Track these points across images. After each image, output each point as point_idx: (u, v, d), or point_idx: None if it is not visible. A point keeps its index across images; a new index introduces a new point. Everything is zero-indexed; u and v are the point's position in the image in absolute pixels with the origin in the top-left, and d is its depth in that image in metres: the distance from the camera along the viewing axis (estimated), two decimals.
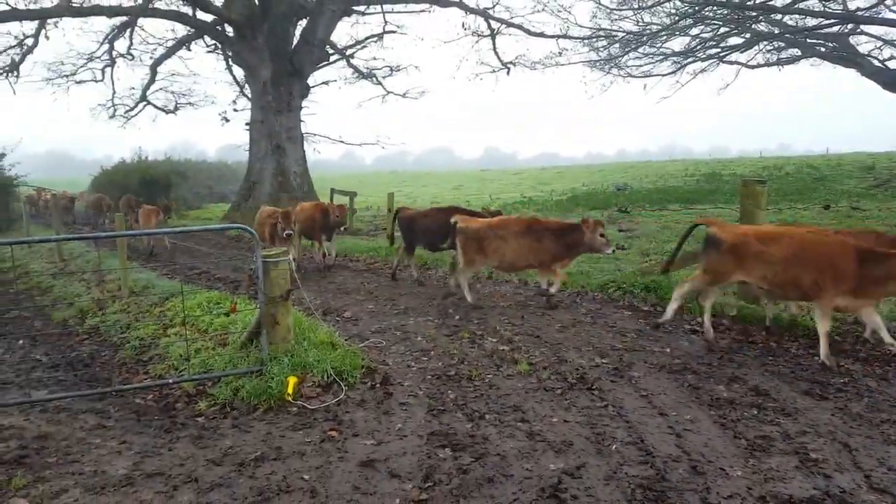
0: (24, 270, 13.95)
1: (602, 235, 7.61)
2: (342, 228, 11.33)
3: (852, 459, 3.93)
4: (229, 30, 20.78)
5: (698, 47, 26.96)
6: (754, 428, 4.41)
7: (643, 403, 4.88)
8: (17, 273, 13.70)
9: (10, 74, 22.72)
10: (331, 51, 22.81)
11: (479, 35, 24.30)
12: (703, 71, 27.99)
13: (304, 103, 21.14)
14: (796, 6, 23.06)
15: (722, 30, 25.43)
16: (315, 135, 23.58)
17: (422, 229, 9.89)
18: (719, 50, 27.67)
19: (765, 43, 27.97)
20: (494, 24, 23.68)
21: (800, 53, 28.70)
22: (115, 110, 26.84)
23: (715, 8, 22.51)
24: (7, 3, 19.71)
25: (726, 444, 4.17)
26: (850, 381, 5.27)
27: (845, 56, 27.52)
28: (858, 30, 26.38)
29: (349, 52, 24.75)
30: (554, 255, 7.75)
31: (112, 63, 25.51)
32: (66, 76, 24.83)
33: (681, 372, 5.56)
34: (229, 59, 24.52)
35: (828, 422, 4.48)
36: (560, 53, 25.04)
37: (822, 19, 24.10)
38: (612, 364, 5.79)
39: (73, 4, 19.55)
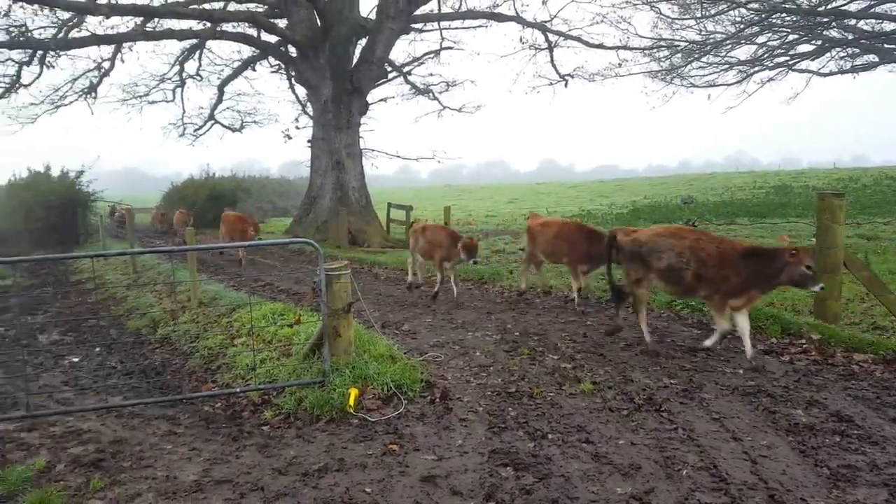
0: (100, 281, 14.61)
1: None
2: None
3: None
4: (292, 50, 21.39)
5: (766, 55, 26.20)
6: (837, 456, 4.16)
7: (715, 427, 4.67)
8: (94, 284, 14.36)
9: (88, 96, 23.98)
10: (389, 68, 23.17)
11: (536, 48, 24.24)
12: (770, 80, 27.19)
13: (362, 120, 21.52)
14: (872, 10, 22.11)
15: (791, 37, 24.65)
16: (373, 150, 23.97)
17: None
18: (788, 58, 26.80)
19: (838, 49, 26.89)
20: (552, 37, 23.56)
21: (877, 59, 27.42)
22: (184, 129, 27.97)
23: (783, 15, 21.81)
24: (87, 30, 20.90)
25: (806, 473, 3.94)
26: None
27: None
28: None
29: (407, 68, 25.12)
30: None
31: (182, 84, 26.63)
32: (140, 97, 26.07)
33: (755, 394, 5.31)
34: (292, 79, 25.25)
35: None
36: (620, 64, 24.71)
37: None
38: (681, 385, 5.58)
39: (147, 29, 20.52)
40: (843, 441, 4.39)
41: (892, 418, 4.74)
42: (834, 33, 25.25)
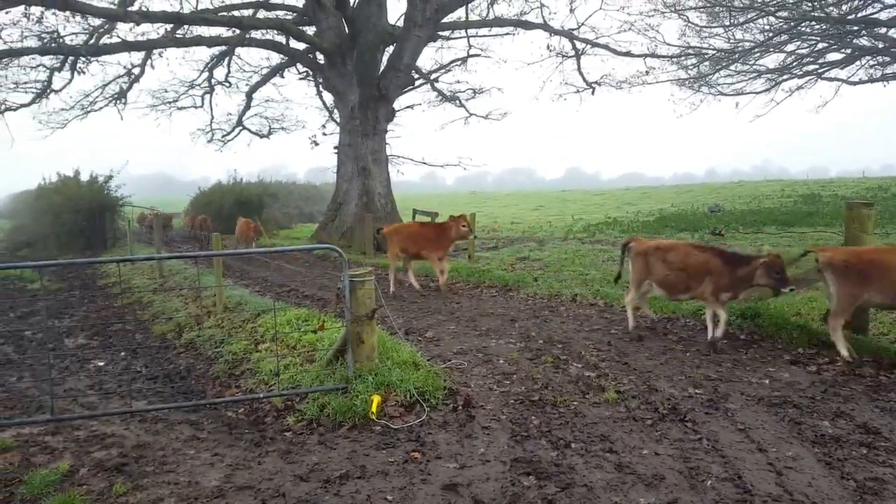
0: (127, 286, 14.85)
1: None
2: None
3: None
4: (320, 57, 21.57)
5: (794, 64, 25.84)
6: (864, 469, 4.08)
7: (740, 438, 4.61)
8: (121, 288, 14.60)
9: (118, 102, 24.44)
10: (416, 75, 23.28)
11: (563, 56, 24.24)
12: (799, 88, 26.78)
13: (389, 126, 21.63)
14: None
15: (820, 45, 24.30)
16: (399, 157, 24.09)
17: None
18: (817, 66, 26.39)
19: (868, 58, 26.43)
20: (579, 45, 23.53)
21: None
22: (213, 135, 28.33)
23: (812, 23, 21.50)
24: (117, 36, 21.35)
25: (832, 486, 3.87)
26: None
27: None
28: None
29: (434, 76, 25.22)
30: None
31: (211, 90, 27.01)
32: (169, 103, 26.47)
33: (781, 405, 5.23)
34: (320, 86, 25.50)
35: None
36: (647, 72, 24.56)
37: None
38: (706, 395, 5.51)
39: (177, 35, 20.88)
40: (870, 453, 4.31)
41: None
42: (864, 42, 24.82)
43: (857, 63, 26.68)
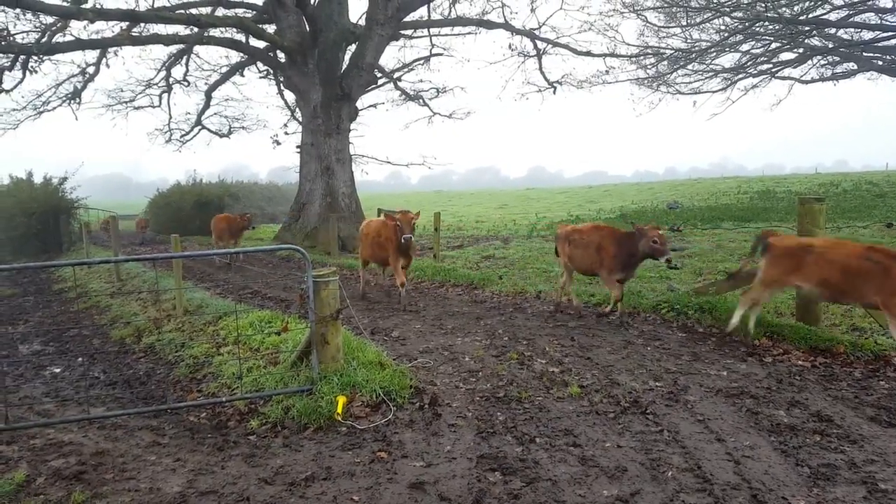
0: (83, 290, 14.46)
1: None
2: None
3: None
4: (281, 56, 21.29)
5: (749, 63, 26.49)
6: (817, 455, 4.22)
7: (699, 429, 4.72)
8: (77, 293, 14.22)
9: (72, 101, 23.76)
10: (379, 74, 23.18)
11: (525, 55, 24.40)
12: (754, 87, 27.48)
13: (352, 126, 21.48)
14: (851, 20, 22.44)
15: (774, 45, 24.95)
16: (363, 156, 23.99)
17: None
18: (771, 65, 27.12)
19: (819, 58, 27.27)
20: (540, 45, 23.73)
21: (856, 67, 27.82)
22: (171, 135, 27.78)
23: (766, 23, 22.07)
24: (71, 34, 20.74)
25: (788, 472, 4.00)
26: None
27: None
28: None
29: (396, 74, 25.16)
30: None
31: (169, 89, 26.47)
32: (125, 102, 25.86)
33: (738, 396, 5.37)
34: (281, 85, 25.23)
35: None
36: (607, 72, 24.92)
37: (878, 32, 23.35)
38: (666, 388, 5.63)
39: (133, 34, 20.38)
40: (822, 440, 4.46)
41: (870, 417, 4.84)
42: (815, 42, 25.58)
43: (809, 62, 27.48)
